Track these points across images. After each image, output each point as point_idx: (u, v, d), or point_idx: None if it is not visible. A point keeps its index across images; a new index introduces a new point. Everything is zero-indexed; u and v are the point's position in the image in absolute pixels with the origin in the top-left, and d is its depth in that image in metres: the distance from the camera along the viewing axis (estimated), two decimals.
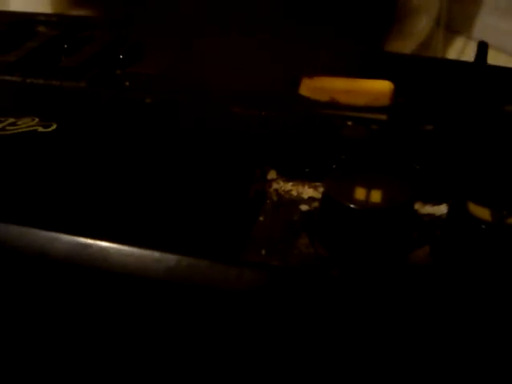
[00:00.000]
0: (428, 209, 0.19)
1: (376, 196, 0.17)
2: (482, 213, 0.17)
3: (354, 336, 0.15)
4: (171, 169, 0.19)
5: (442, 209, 0.19)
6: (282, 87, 0.24)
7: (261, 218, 0.19)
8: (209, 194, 0.18)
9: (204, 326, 0.16)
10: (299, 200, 0.19)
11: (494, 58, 0.26)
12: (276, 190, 0.20)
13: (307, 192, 0.20)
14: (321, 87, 0.23)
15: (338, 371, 0.16)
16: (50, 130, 0.20)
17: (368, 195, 0.17)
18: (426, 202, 0.19)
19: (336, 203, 0.17)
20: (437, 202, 0.19)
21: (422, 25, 0.52)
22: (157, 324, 0.16)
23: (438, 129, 0.21)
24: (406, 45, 0.52)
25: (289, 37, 0.27)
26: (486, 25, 0.52)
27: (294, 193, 0.20)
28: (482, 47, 0.25)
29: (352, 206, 0.17)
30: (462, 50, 0.53)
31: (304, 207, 0.19)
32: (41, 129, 0.20)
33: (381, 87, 0.23)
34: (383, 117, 0.22)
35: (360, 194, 0.17)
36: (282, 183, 0.20)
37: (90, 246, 0.16)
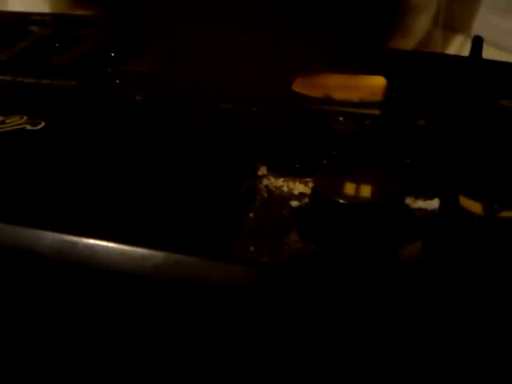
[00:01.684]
0: (420, 203, 0.19)
1: (366, 191, 0.17)
2: (474, 207, 0.16)
3: (344, 332, 0.15)
4: (161, 165, 0.19)
5: (433, 203, 0.19)
6: (276, 84, 0.24)
7: (251, 215, 0.18)
8: (199, 191, 0.18)
9: (193, 323, 0.16)
10: (290, 196, 0.19)
11: (492, 56, 0.26)
12: (266, 186, 0.20)
13: (298, 188, 0.19)
14: (314, 83, 0.23)
15: (328, 367, 0.16)
16: (38, 128, 0.20)
17: (358, 190, 0.17)
18: (417, 196, 0.19)
19: (325, 198, 0.16)
20: (429, 196, 0.19)
21: (420, 23, 0.52)
22: (145, 321, 0.16)
23: (430, 123, 0.21)
24: (404, 43, 0.52)
25: (286, 35, 0.27)
26: (485, 23, 0.52)
27: (285, 189, 0.19)
28: (477, 42, 0.25)
29: (341, 201, 0.16)
30: (460, 49, 0.52)
31: (294, 203, 0.19)
32: (29, 127, 0.20)
33: (374, 83, 0.23)
34: (376, 112, 0.22)
35: (350, 188, 0.17)
36: (272, 179, 0.20)
37: (78, 243, 0.15)
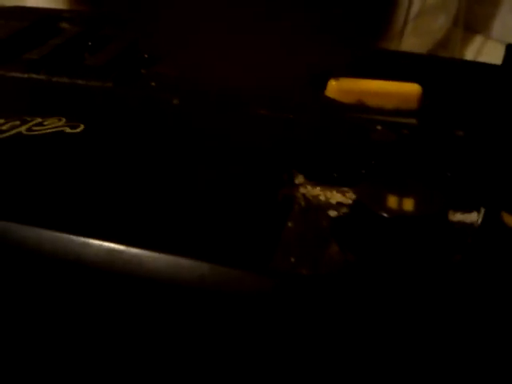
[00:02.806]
0: (458, 216, 0.19)
1: (409, 204, 0.17)
2: None
3: (384, 346, 0.15)
4: (198, 172, 0.19)
5: (472, 216, 0.19)
6: (306, 88, 0.24)
7: (289, 224, 0.18)
8: (236, 199, 0.18)
9: (235, 334, 0.16)
10: (327, 205, 0.19)
11: None
12: (304, 195, 0.20)
13: (335, 197, 0.19)
14: (348, 89, 0.23)
15: (368, 378, 0.16)
16: (77, 130, 0.20)
17: (401, 203, 0.17)
18: (456, 209, 0.19)
19: (369, 212, 0.16)
20: (467, 209, 0.19)
21: (439, 23, 0.52)
22: (190, 331, 0.16)
23: (469, 134, 0.21)
24: (422, 43, 0.52)
25: (301, 36, 0.27)
26: (505, 24, 0.51)
27: (322, 198, 0.19)
28: (511, 50, 0.25)
29: (385, 214, 0.16)
30: (479, 50, 0.52)
31: (333, 213, 0.19)
32: (68, 129, 0.20)
33: (409, 90, 0.23)
34: (413, 121, 0.22)
35: (392, 202, 0.17)
36: (309, 188, 0.20)
37: (125, 252, 0.15)
